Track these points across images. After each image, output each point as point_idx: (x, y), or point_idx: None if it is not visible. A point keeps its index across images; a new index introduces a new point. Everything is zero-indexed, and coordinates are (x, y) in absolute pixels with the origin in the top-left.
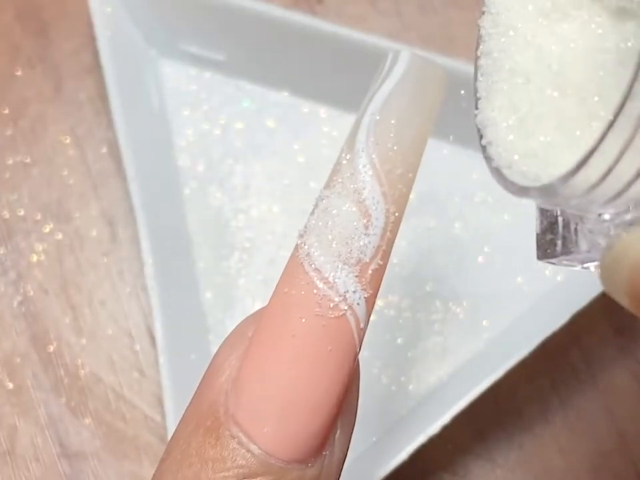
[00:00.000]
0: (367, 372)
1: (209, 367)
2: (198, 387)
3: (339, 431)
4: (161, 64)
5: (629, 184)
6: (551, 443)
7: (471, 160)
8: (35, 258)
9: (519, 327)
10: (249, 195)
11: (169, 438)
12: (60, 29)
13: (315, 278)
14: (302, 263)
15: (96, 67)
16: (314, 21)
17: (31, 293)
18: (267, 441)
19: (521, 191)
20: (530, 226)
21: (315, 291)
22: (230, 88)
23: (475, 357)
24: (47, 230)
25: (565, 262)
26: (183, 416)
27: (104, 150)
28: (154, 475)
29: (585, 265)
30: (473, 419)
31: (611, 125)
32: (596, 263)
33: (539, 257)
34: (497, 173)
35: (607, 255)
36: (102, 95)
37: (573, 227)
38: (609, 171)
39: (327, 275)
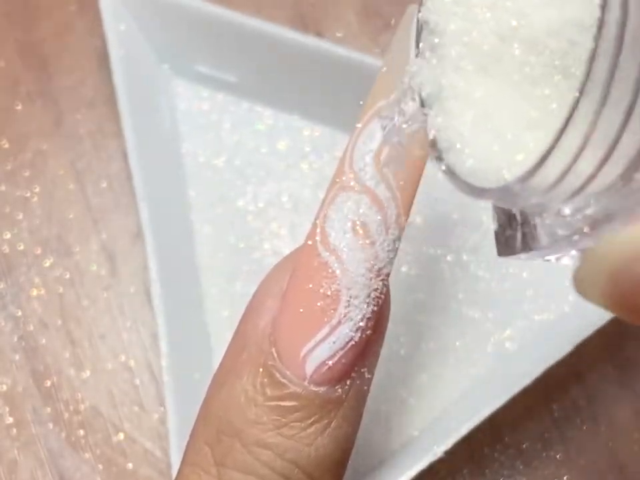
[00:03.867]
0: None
1: (248, 306)
2: (240, 325)
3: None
4: (173, 84)
5: (589, 180)
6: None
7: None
8: (34, 292)
9: (521, 357)
10: (258, 217)
11: (171, 454)
12: (60, 64)
13: None
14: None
15: (97, 101)
16: (326, 45)
17: (31, 328)
18: (307, 373)
19: (477, 192)
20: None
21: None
22: (242, 110)
23: (475, 387)
24: (47, 264)
25: (523, 257)
26: (228, 350)
27: (104, 184)
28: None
29: (547, 259)
30: (473, 454)
31: (566, 123)
32: (557, 256)
33: (499, 253)
34: (450, 174)
35: (584, 258)
36: (102, 130)
37: (531, 222)
38: (568, 169)
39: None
